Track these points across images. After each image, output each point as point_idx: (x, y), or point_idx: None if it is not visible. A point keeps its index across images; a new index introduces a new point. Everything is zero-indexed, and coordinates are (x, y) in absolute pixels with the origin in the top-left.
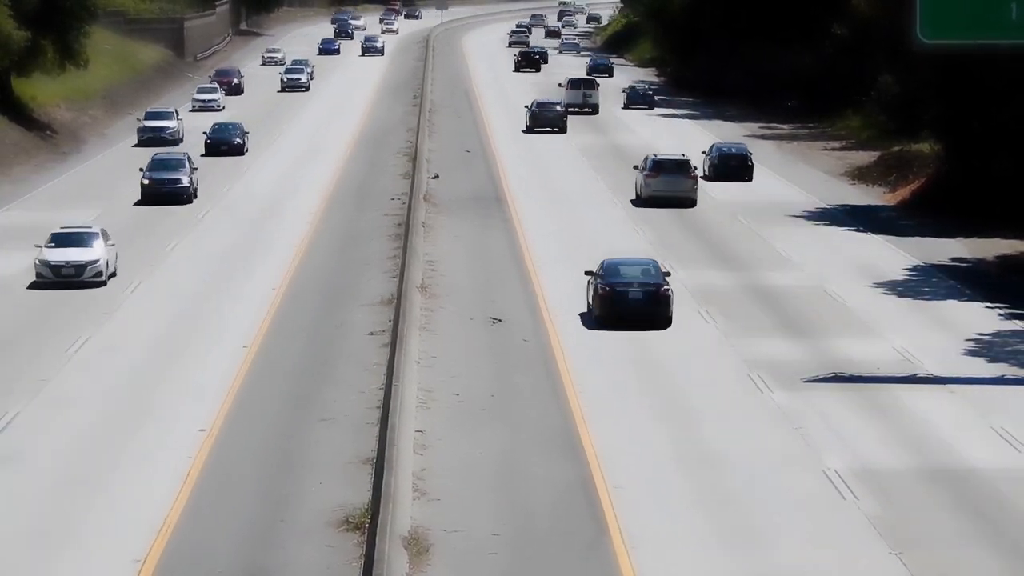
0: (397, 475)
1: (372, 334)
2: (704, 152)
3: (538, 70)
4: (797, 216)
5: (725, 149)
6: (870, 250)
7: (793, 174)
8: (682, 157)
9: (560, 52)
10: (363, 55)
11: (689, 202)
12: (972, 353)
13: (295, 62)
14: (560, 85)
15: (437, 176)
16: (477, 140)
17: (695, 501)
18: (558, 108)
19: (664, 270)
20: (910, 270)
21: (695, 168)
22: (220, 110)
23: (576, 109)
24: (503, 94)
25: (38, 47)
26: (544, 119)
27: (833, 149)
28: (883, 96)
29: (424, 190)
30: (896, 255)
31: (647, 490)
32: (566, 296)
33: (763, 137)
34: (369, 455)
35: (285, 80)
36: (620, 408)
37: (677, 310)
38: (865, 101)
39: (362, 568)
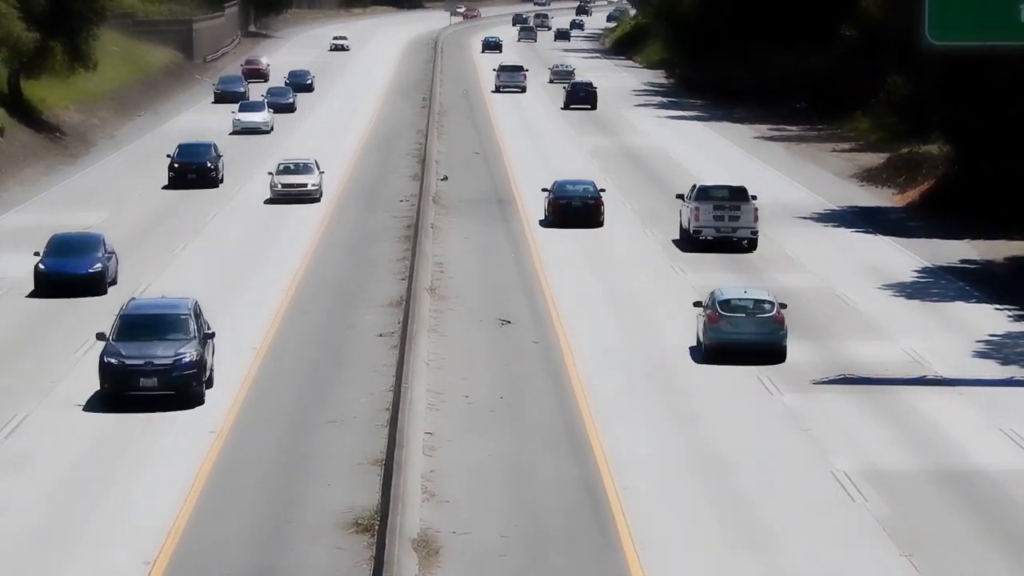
0: (406, 477)
1: (381, 336)
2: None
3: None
4: (806, 218)
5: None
6: (879, 251)
7: (802, 176)
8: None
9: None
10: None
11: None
12: (981, 355)
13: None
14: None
15: (446, 178)
16: (486, 142)
17: (704, 503)
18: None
19: None
20: (919, 272)
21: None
22: None
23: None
24: (513, 95)
25: (47, 49)
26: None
27: (842, 151)
28: (892, 98)
29: (433, 192)
30: (905, 256)
31: (656, 492)
32: (575, 297)
33: (772, 139)
34: (378, 457)
35: None
36: (629, 410)
37: (686, 313)
38: (874, 103)
39: (371, 570)
